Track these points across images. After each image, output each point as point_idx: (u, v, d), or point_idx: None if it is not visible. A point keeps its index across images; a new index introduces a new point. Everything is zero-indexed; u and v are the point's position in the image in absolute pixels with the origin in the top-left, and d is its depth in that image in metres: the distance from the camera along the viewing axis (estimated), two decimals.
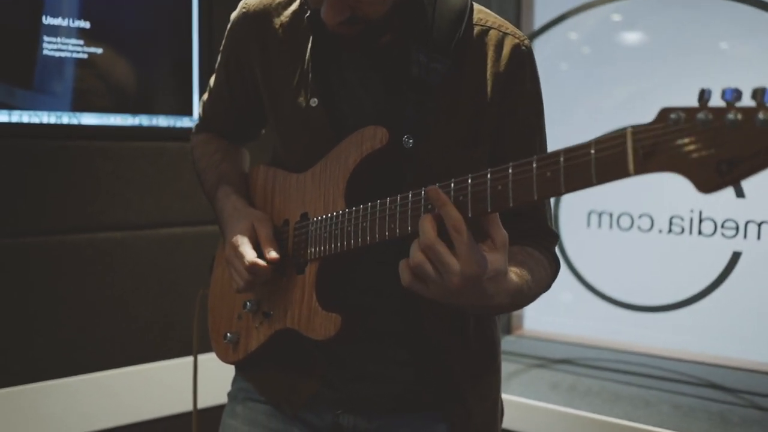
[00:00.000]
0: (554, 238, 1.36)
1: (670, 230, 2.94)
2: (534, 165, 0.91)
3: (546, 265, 1.28)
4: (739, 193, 2.83)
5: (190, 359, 2.48)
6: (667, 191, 2.88)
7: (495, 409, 1.41)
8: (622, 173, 0.81)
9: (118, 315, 2.51)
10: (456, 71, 1.24)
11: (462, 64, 1.25)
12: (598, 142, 0.83)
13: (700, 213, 2.89)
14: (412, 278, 1.01)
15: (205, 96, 1.60)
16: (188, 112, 2.65)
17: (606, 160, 0.82)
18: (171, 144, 2.57)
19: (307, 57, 1.30)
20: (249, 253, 1.26)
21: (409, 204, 1.07)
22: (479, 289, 1.00)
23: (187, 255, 2.64)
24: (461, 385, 1.33)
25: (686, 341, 2.93)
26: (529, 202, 0.93)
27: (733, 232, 2.81)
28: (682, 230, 2.92)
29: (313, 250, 1.26)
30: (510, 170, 0.94)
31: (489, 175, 0.96)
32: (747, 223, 2.78)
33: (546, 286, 1.28)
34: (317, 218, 1.26)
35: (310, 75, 1.29)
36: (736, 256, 2.83)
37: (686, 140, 0.76)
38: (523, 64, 1.29)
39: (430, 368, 1.32)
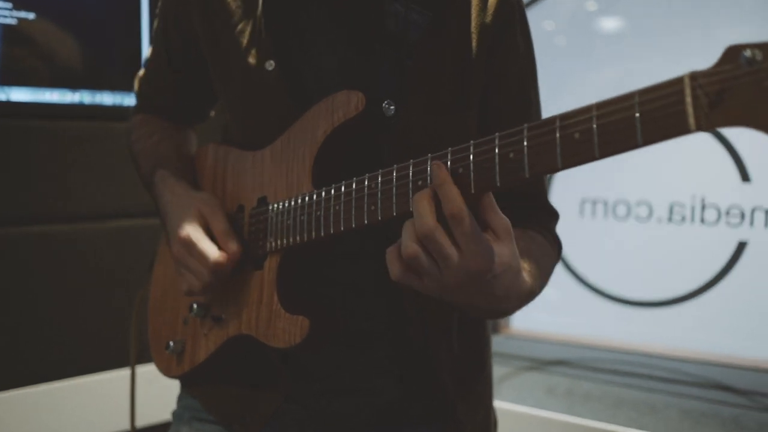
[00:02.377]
0: (555, 217, 1.28)
1: (670, 219, 2.89)
2: (557, 124, 0.80)
3: (550, 252, 1.20)
4: (745, 177, 2.81)
5: (127, 371, 2.26)
6: (666, 175, 2.83)
7: (488, 420, 1.34)
8: (678, 130, 0.71)
9: (50, 321, 2.35)
10: (437, 23, 1.16)
11: (443, 16, 1.16)
12: (644, 92, 0.72)
13: (703, 199, 2.85)
14: (404, 271, 0.91)
15: (141, 71, 1.50)
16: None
17: (655, 114, 0.71)
18: (118, 125, 2.39)
19: (259, 11, 1.20)
20: (211, 251, 1.15)
21: (394, 181, 0.96)
22: (485, 287, 0.91)
23: (137, 250, 2.45)
24: (451, 395, 1.25)
25: (689, 339, 2.87)
26: (550, 172, 0.82)
27: (739, 219, 2.77)
28: (683, 219, 2.87)
29: (273, 241, 1.16)
30: (525, 133, 0.83)
31: (497, 140, 0.85)
32: (753, 210, 2.75)
33: (550, 277, 1.18)
34: (278, 203, 1.17)
35: (263, 33, 1.19)
36: (741, 246, 2.78)
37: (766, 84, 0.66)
38: (512, 16, 1.21)
39: (416, 377, 1.23)
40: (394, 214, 0.95)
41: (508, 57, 1.20)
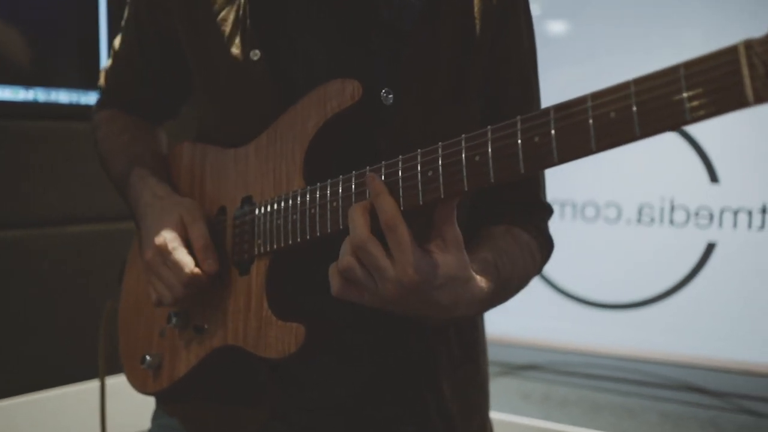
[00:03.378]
0: (548, 212, 1.24)
1: (639, 220, 2.89)
2: (589, 103, 0.73)
3: (534, 250, 1.16)
4: (713, 178, 2.82)
5: (96, 384, 2.26)
6: (634, 176, 2.84)
7: (483, 429, 1.29)
8: (733, 104, 0.64)
9: (11, 332, 2.32)
10: (436, 4, 1.11)
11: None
12: (691, 64, 0.66)
13: (672, 200, 2.86)
14: (343, 284, 0.90)
15: (109, 62, 1.42)
16: (95, 86, 2.43)
17: (705, 89, 0.65)
18: (77, 124, 2.38)
19: None
20: (186, 262, 1.10)
21: (400, 173, 0.90)
22: (426, 298, 0.88)
23: (98, 257, 2.47)
24: (449, 407, 1.20)
25: (660, 341, 2.87)
26: (582, 156, 0.75)
27: (708, 220, 2.78)
28: (652, 220, 2.88)
29: (261, 244, 1.09)
30: (553, 114, 0.76)
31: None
32: (722, 211, 2.77)
33: (531, 276, 1.16)
34: (265, 203, 1.10)
35: (248, 21, 1.14)
36: (710, 247, 2.80)
37: None
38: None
39: (414, 390, 1.17)
40: (402, 208, 0.89)
41: (513, 41, 1.16)
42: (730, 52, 0.64)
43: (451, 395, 1.19)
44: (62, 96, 2.33)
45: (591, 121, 0.73)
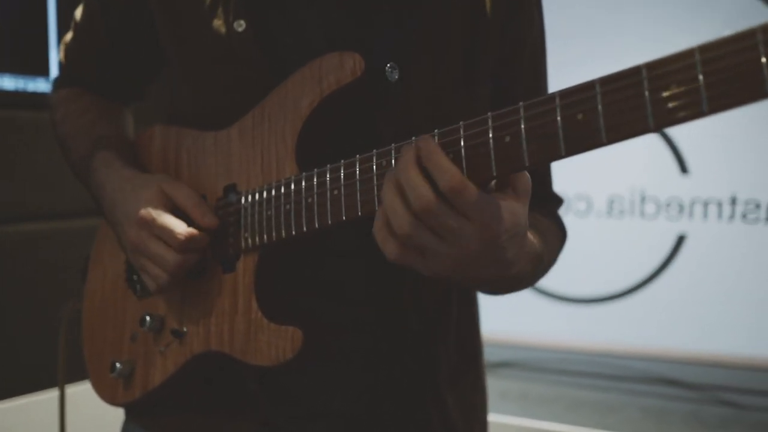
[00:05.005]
0: (559, 202, 1.22)
1: (609, 213, 2.89)
2: (644, 74, 0.67)
3: (556, 232, 1.14)
4: (683, 169, 2.84)
5: (55, 394, 2.11)
6: (604, 168, 2.84)
7: None
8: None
9: None
10: None
11: None
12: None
13: (642, 192, 2.86)
14: (402, 249, 0.81)
15: (69, 35, 1.32)
16: (43, 72, 2.32)
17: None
18: (22, 113, 2.29)
19: None
20: (177, 224, 1.00)
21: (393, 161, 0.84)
22: (498, 252, 0.81)
23: (50, 258, 2.36)
24: (452, 416, 1.14)
25: (633, 334, 2.88)
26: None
27: (678, 212, 2.79)
28: (622, 212, 2.88)
29: (249, 237, 1.01)
30: (599, 89, 0.70)
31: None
32: (692, 202, 2.78)
33: (556, 258, 1.13)
34: (253, 191, 1.02)
35: None
36: (681, 239, 2.81)
37: None
38: None
39: (417, 398, 1.11)
40: None
41: (524, 27, 1.11)
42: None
43: (453, 403, 1.14)
44: (7, 82, 2.24)
45: (648, 95, 0.67)
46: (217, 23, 1.06)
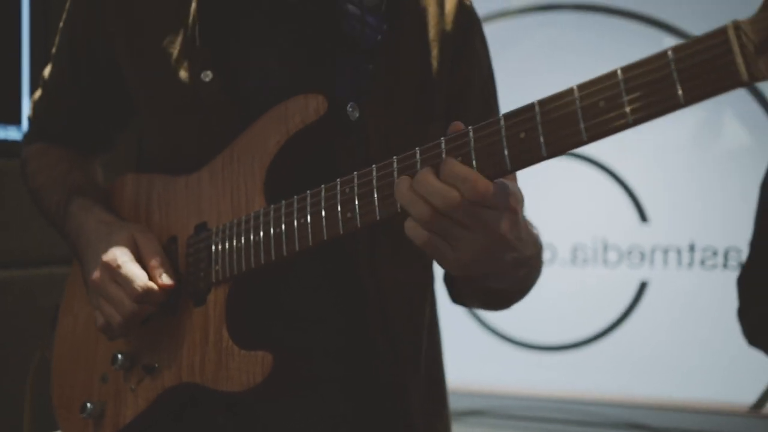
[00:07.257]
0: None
1: (573, 261, 2.92)
2: (576, 95, 0.74)
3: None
4: (643, 218, 2.87)
5: None
6: (567, 217, 2.86)
7: None
8: (727, 82, 0.66)
9: None
10: (395, 29, 1.10)
11: (401, 23, 1.11)
12: (679, 49, 0.68)
13: (604, 241, 2.89)
14: (430, 236, 0.82)
15: (38, 93, 1.35)
16: (15, 121, 2.27)
17: (697, 70, 0.67)
18: None
19: (191, 18, 1.11)
20: (138, 275, 1.01)
21: (374, 182, 0.87)
22: (519, 231, 0.85)
23: (14, 307, 2.23)
24: None
25: (600, 381, 2.87)
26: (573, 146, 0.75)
27: (639, 260, 2.83)
28: (585, 260, 2.91)
29: (219, 269, 1.03)
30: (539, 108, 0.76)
31: (503, 122, 0.79)
32: (653, 250, 2.82)
33: (539, 273, 1.11)
34: (223, 226, 1.04)
35: (198, 40, 1.09)
36: (643, 286, 2.84)
37: None
38: (471, 23, 1.19)
39: (389, 427, 1.12)
40: (378, 218, 0.86)
41: (472, 64, 1.18)
42: (720, 33, 0.65)
43: (424, 430, 1.15)
44: None
45: (579, 111, 0.72)
46: (183, 75, 1.10)
